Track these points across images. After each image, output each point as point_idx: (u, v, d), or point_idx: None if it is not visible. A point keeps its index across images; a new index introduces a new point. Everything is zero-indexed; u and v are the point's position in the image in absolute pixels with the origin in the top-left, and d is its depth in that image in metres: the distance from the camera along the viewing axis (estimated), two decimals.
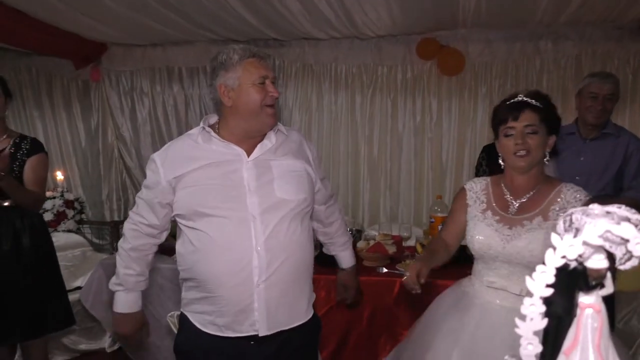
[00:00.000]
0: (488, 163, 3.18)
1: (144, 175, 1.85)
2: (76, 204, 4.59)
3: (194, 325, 1.75)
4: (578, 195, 1.74)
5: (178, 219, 1.78)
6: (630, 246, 0.58)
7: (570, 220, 0.62)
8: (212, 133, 1.75)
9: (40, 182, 2.73)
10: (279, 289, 1.70)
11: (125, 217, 4.94)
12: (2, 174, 2.42)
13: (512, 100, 1.81)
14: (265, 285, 1.67)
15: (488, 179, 1.97)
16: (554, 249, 0.60)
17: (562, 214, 1.68)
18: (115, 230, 4.57)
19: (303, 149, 1.91)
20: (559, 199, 1.75)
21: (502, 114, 1.81)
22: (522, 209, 1.80)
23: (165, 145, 1.84)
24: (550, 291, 0.60)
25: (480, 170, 3.26)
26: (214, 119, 1.85)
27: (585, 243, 0.59)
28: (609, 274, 0.63)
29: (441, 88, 4.23)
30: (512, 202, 1.83)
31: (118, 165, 4.99)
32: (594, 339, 0.62)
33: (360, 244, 3.30)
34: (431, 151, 4.31)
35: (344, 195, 4.46)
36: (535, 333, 0.62)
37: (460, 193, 1.99)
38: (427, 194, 4.32)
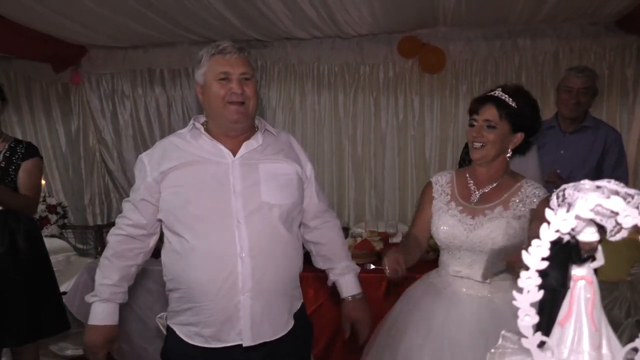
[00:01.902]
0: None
1: (127, 179, 1.81)
2: (59, 209, 4.53)
3: (180, 338, 1.69)
4: (537, 192, 1.79)
5: (163, 225, 1.75)
6: (619, 219, 0.61)
7: (563, 195, 0.64)
8: (202, 130, 1.74)
9: (35, 187, 2.72)
10: (265, 299, 1.64)
11: (109, 221, 4.86)
12: None
13: (485, 94, 1.87)
14: (251, 294, 1.61)
15: (453, 171, 2.02)
16: (549, 223, 0.62)
17: (521, 205, 1.74)
18: (99, 234, 4.52)
19: (293, 149, 1.87)
20: (519, 192, 1.81)
21: (471, 105, 1.88)
22: (484, 199, 1.86)
23: (154, 145, 1.83)
24: (545, 264, 0.63)
25: (464, 165, 3.30)
26: (202, 118, 1.82)
27: (577, 217, 0.62)
28: (599, 247, 0.66)
29: (423, 86, 4.28)
30: (475, 191, 1.89)
31: (100, 169, 4.92)
32: (587, 309, 0.65)
33: (347, 242, 3.31)
34: (414, 148, 4.35)
35: (329, 194, 4.45)
36: (532, 305, 0.65)
37: (427, 187, 2.04)
38: (411, 191, 4.37)
